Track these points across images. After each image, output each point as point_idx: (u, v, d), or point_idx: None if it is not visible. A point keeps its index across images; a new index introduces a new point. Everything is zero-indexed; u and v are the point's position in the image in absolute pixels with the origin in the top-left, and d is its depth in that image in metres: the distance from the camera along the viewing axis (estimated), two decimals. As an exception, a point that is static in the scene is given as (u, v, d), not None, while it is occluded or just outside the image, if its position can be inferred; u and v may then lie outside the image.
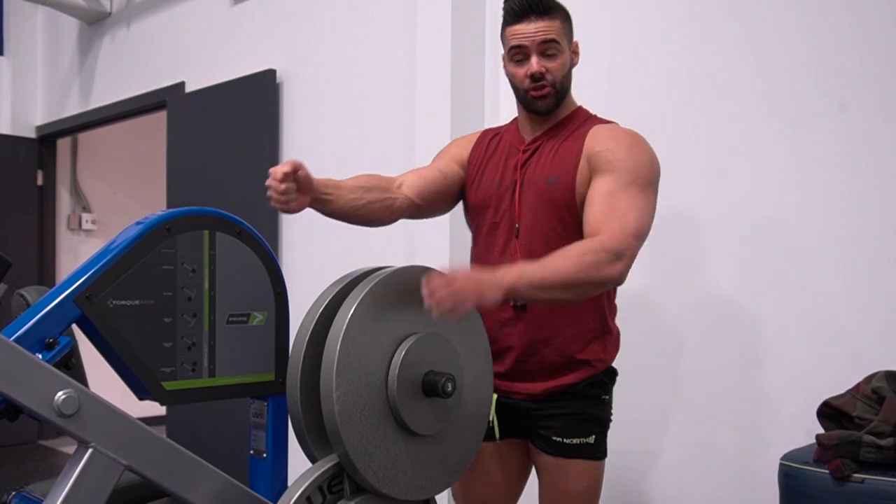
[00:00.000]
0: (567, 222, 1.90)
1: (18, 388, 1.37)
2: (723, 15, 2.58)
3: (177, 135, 4.63)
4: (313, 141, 3.88)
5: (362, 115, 3.65)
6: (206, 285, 1.70)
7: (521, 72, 1.92)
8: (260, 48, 4.18)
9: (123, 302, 1.57)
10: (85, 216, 6.47)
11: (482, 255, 2.01)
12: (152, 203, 6.18)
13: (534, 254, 1.82)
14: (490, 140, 2.10)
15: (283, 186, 1.75)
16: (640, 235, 1.78)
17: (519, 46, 1.90)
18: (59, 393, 1.40)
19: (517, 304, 1.91)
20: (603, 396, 1.97)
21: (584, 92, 2.10)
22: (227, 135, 4.27)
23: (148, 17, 4.99)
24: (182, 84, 4.68)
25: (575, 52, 1.98)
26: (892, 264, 2.24)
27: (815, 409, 1.95)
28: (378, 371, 1.62)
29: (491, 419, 1.96)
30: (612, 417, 2.01)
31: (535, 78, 1.90)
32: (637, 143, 1.88)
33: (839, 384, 1.97)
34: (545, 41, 1.88)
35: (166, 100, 4.70)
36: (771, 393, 2.43)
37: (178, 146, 4.63)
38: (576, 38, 1.98)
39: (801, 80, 2.41)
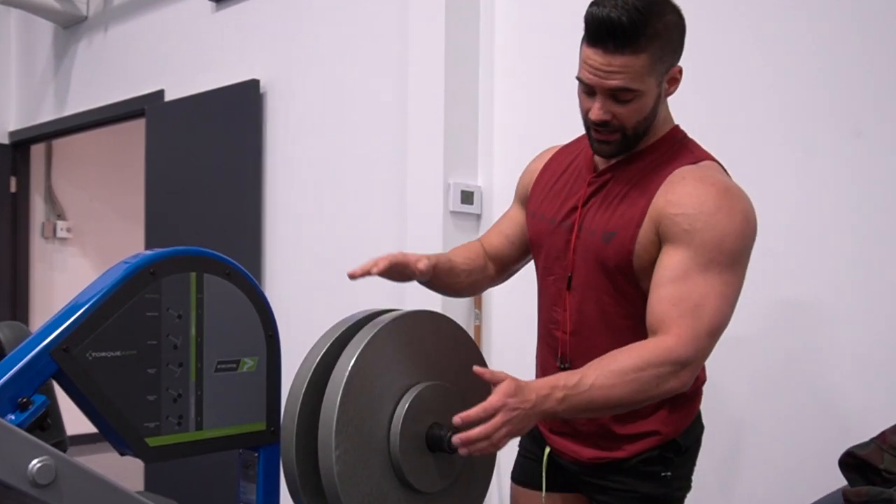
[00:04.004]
0: (621, 287, 1.60)
1: (-13, 458, 1.25)
2: (736, 38, 2.49)
3: (155, 145, 4.49)
4: (298, 154, 3.76)
5: (350, 129, 3.53)
6: (193, 331, 1.57)
7: (586, 105, 1.57)
8: (243, 57, 4.05)
9: (104, 354, 1.45)
10: (60, 224, 6.31)
11: (539, 300, 1.80)
12: (130, 211, 6.03)
13: (584, 315, 1.65)
14: (563, 160, 1.78)
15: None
16: (716, 332, 1.48)
17: (585, 81, 1.54)
18: (34, 461, 1.27)
19: (563, 366, 1.68)
20: (663, 473, 1.66)
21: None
22: (208, 146, 4.14)
23: (126, 22, 4.84)
24: (161, 92, 4.54)
25: (673, 80, 1.57)
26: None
27: (836, 456, 1.85)
28: (380, 426, 1.51)
29: (542, 473, 1.81)
30: (689, 488, 1.75)
31: (598, 124, 1.56)
32: (725, 204, 1.49)
33: (860, 430, 1.88)
34: (617, 88, 1.50)
35: (145, 108, 4.56)
36: (794, 438, 2.34)
37: (156, 156, 4.49)
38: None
39: (815, 105, 2.33)
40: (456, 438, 1.36)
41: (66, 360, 1.39)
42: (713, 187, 1.51)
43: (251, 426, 1.67)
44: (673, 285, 1.48)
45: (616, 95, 1.51)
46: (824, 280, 2.30)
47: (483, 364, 1.75)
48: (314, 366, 1.53)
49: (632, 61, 1.47)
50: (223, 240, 3.75)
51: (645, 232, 1.54)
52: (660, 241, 1.53)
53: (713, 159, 1.62)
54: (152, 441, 1.51)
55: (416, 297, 2.94)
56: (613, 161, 1.63)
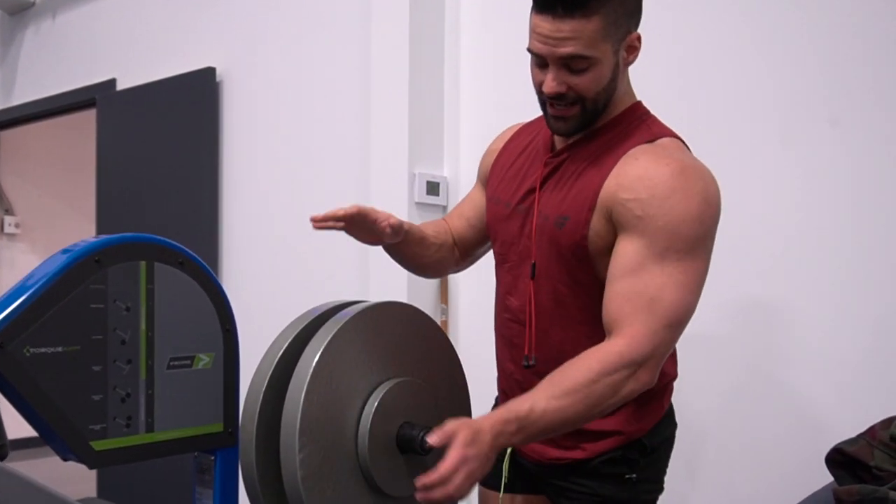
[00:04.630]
0: (577, 276, 1.49)
1: None
2: (712, 27, 2.42)
3: (107, 136, 4.32)
4: (257, 145, 3.63)
5: (311, 118, 3.41)
6: (143, 325, 1.45)
7: (539, 79, 1.45)
8: (198, 44, 3.91)
9: (43, 349, 1.32)
10: (8, 219, 6.09)
11: (496, 288, 1.68)
12: (82, 206, 5.84)
13: (540, 305, 1.53)
14: (522, 140, 1.67)
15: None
16: (676, 324, 1.38)
17: (535, 52, 1.43)
18: (-37, 470, 1.15)
19: (527, 364, 1.57)
20: (627, 476, 1.55)
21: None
22: (162, 137, 3.99)
23: (75, 9, 4.66)
24: (113, 81, 4.38)
25: (631, 48, 1.46)
26: (888, 287, 2.11)
27: (819, 452, 1.79)
28: (347, 426, 1.40)
29: (505, 475, 1.68)
30: (660, 490, 1.64)
31: (553, 97, 1.44)
32: (680, 186, 1.37)
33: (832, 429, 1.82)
34: (569, 56, 1.39)
35: (96, 98, 4.39)
36: (766, 438, 2.28)
37: (108, 148, 4.32)
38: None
39: (790, 93, 2.26)
40: (419, 497, 1.28)
41: (1, 356, 1.27)
42: (667, 167, 1.39)
43: (207, 427, 1.55)
44: (627, 279, 1.38)
45: (569, 64, 1.40)
46: (796, 275, 2.24)
47: (458, 363, 1.65)
48: (275, 362, 1.42)
49: (583, 26, 1.36)
50: (179, 234, 3.59)
51: (598, 217, 1.44)
52: (614, 228, 1.43)
53: (673, 135, 1.51)
54: (98, 445, 1.39)
55: (381, 288, 2.85)
56: (571, 140, 1.52)
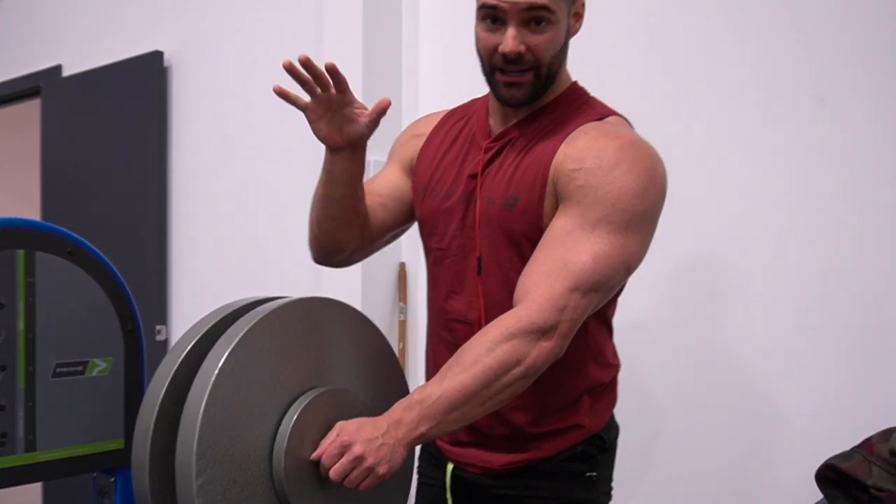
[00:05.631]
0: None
1: None
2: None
3: (52, 125, 4.08)
4: (207, 133, 3.42)
5: (262, 103, 3.17)
6: (22, 325, 1.24)
7: (491, 41, 1.35)
8: (145, 27, 3.68)
9: None
10: (-45, 216, 5.82)
11: (432, 290, 1.53)
12: (34, 203, 5.58)
13: (491, 300, 1.40)
14: (452, 127, 1.54)
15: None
16: (586, 288, 1.26)
17: (492, 7, 1.31)
18: None
19: None
20: (588, 473, 1.44)
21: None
22: (110, 125, 3.75)
23: (20, -8, 4.42)
24: (58, 67, 4.14)
25: (577, 15, 1.40)
26: (877, 274, 1.93)
27: (808, 468, 1.60)
28: (259, 446, 1.18)
29: (447, 498, 1.50)
30: (611, 496, 1.53)
31: (510, 59, 1.34)
32: (626, 160, 1.30)
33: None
34: (532, 6, 1.30)
35: (40, 86, 4.15)
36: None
37: (53, 138, 4.08)
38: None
39: (775, 68, 2.08)
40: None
41: None
42: (617, 140, 1.33)
43: (105, 444, 1.35)
44: (548, 247, 1.30)
45: (533, 18, 1.32)
46: (785, 265, 2.06)
47: (398, 369, 1.45)
48: (175, 367, 1.20)
49: None
50: (126, 224, 3.44)
51: (550, 193, 1.34)
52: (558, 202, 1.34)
53: (619, 115, 1.46)
54: (-38, 467, 1.17)
55: (334, 286, 2.64)
56: (510, 123, 1.44)
